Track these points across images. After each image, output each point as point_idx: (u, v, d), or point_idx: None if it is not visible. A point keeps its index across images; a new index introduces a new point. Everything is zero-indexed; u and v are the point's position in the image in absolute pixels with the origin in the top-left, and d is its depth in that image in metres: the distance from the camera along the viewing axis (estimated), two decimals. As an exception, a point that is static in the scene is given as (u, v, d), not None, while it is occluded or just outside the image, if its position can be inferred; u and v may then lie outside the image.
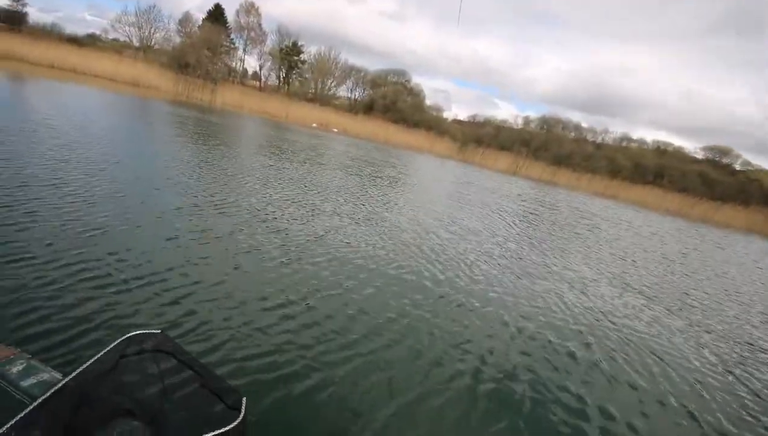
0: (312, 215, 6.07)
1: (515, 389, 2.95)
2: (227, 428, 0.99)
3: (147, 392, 1.18)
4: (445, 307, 4.04)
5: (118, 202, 4.67)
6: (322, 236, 5.24)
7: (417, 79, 60.02)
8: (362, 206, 7.46)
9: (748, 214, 28.91)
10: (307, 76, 40.88)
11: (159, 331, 1.24)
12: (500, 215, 10.10)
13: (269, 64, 40.57)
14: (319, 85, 40.53)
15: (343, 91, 43.76)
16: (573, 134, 43.17)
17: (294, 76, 40.96)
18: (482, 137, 38.73)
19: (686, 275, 8.35)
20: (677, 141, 66.89)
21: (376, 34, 79.99)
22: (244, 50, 39.58)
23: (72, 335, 2.38)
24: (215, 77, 27.88)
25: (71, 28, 37.74)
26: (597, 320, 4.63)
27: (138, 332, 1.20)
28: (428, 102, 44.59)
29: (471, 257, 5.86)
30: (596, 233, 11.28)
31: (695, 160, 40.26)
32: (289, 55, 39.19)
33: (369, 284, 4.14)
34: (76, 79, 18.89)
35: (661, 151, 42.11)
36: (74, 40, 28.55)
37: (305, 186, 8.01)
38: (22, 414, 0.92)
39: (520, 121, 45.33)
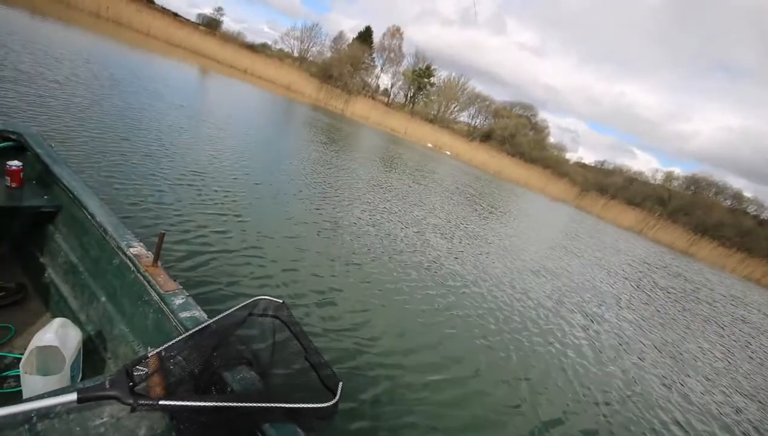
0: (420, 245, 6.29)
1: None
2: (323, 405, 1.09)
3: (262, 350, 1.39)
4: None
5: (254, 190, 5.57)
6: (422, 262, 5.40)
7: (545, 115, 57.11)
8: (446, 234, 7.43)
9: None
10: (432, 98, 42.26)
11: (282, 301, 1.47)
12: (616, 278, 8.96)
13: (400, 83, 43.17)
14: (442, 108, 41.49)
15: (464, 117, 44.02)
16: (729, 203, 35.83)
17: (421, 96, 42.74)
18: (608, 186, 34.84)
19: None
20: None
21: (510, 65, 78.69)
22: (382, 68, 42.89)
23: (221, 289, 2.95)
24: (351, 89, 30.77)
25: (251, 37, 45.91)
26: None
27: (265, 297, 1.41)
28: (552, 140, 41.98)
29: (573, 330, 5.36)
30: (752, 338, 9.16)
31: None
32: (420, 76, 41.11)
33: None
34: (246, 79, 22.92)
35: None
36: (250, 47, 34.65)
37: (410, 202, 8.33)
38: (175, 340, 1.15)
39: (659, 176, 39.52)
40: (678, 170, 49.10)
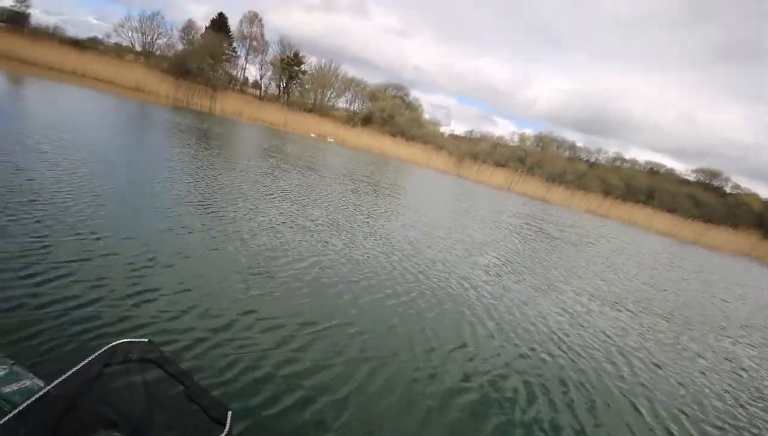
0: (314, 232, 6.11)
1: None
2: None
3: (131, 403, 1.18)
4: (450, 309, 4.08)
5: (107, 209, 4.70)
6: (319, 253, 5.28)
7: (418, 94, 60.93)
8: (359, 216, 7.52)
9: (737, 237, 29.35)
10: (307, 86, 41.27)
11: (146, 340, 1.24)
12: (501, 229, 10.20)
13: (270, 73, 40.99)
14: (319, 96, 40.89)
15: (342, 103, 44.20)
16: (567, 153, 43.84)
17: (294, 86, 41.32)
18: (478, 153, 39.16)
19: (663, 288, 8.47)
20: (671, 163, 68.12)
21: (379, 49, 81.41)
22: (246, 59, 39.99)
23: (58, 342, 2.40)
24: (215, 84, 28.06)
25: (75, 32, 37.91)
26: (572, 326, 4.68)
27: (124, 340, 1.19)
28: (428, 117, 45.18)
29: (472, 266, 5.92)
30: (586, 248, 11.42)
31: (686, 182, 40.98)
32: (289, 65, 39.59)
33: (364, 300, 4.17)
34: (75, 82, 18.94)
35: (653, 172, 42.86)
36: (76, 43, 28.60)
37: (301, 194, 8.06)
38: (1, 421, 0.90)
39: (516, 139, 45.94)
40: (529, 131, 57.74)
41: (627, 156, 46.72)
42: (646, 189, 38.27)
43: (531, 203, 24.52)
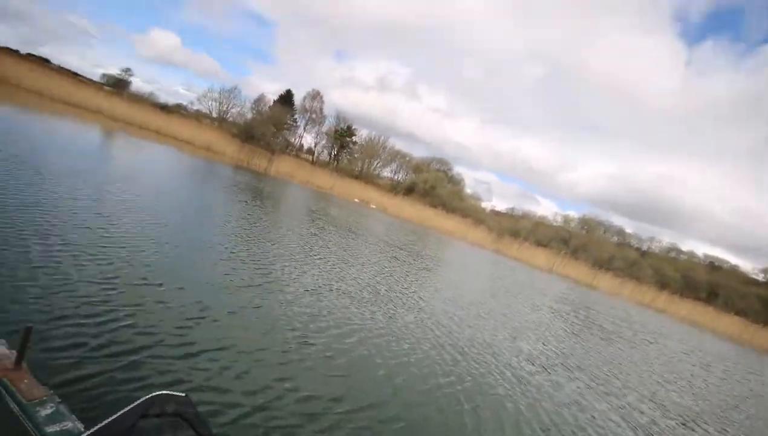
0: (356, 295, 6.10)
1: None
2: None
3: None
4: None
5: (168, 258, 5.01)
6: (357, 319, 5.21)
7: (460, 169, 62.95)
8: (389, 284, 7.42)
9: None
10: (356, 155, 44.05)
11: (183, 394, 1.25)
12: (546, 314, 9.57)
13: (324, 142, 44.47)
14: (366, 165, 43.29)
15: (387, 173, 46.36)
16: (615, 239, 41.89)
17: (344, 154, 44.29)
18: (519, 230, 38.50)
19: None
20: (733, 259, 62.53)
21: (425, 126, 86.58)
22: (304, 128, 43.97)
23: (105, 385, 2.44)
24: (274, 148, 30.74)
25: (165, 98, 44.19)
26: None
27: (163, 392, 1.21)
28: (469, 191, 45.95)
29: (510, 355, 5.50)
30: (643, 346, 10.27)
31: (754, 282, 37.08)
32: (342, 136, 42.89)
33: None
34: (159, 139, 21.59)
35: (715, 267, 39.46)
36: (164, 108, 33.18)
37: (344, 258, 8.18)
38: None
39: (559, 219, 44.99)
40: (573, 213, 56.62)
41: (684, 248, 43.69)
42: (706, 285, 35.03)
43: (576, 288, 23.09)
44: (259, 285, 5.13)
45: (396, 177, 46.28)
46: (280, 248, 7.46)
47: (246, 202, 11.81)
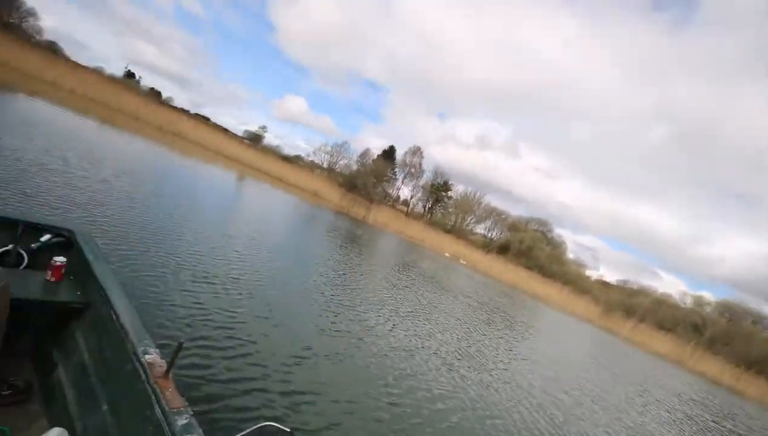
0: (451, 362, 5.92)
1: None
2: None
3: None
4: None
5: (284, 297, 5.54)
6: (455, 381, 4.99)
7: (562, 232, 58.26)
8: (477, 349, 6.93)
9: None
10: (450, 210, 44.24)
11: (289, 430, 1.29)
12: (687, 427, 7.86)
13: (419, 195, 45.92)
14: (459, 220, 43.01)
15: (480, 229, 45.25)
16: (772, 334, 33.14)
17: (438, 208, 44.87)
18: (634, 308, 33.24)
19: None
20: None
21: (525, 184, 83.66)
22: (402, 181, 46.20)
23: (221, 408, 2.71)
24: (373, 198, 32.73)
25: (288, 150, 51.51)
26: None
27: (271, 423, 1.28)
28: (571, 256, 41.99)
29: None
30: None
31: None
32: (438, 190, 43.80)
33: None
34: (278, 184, 24.87)
35: None
36: (285, 158, 38.53)
37: (434, 314, 8.03)
38: None
39: (689, 301, 37.71)
40: (708, 295, 46.92)
41: None
42: None
43: (716, 391, 18.49)
44: (355, 334, 5.30)
45: (490, 234, 44.86)
46: (375, 297, 7.68)
47: (346, 247, 12.61)
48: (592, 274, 43.87)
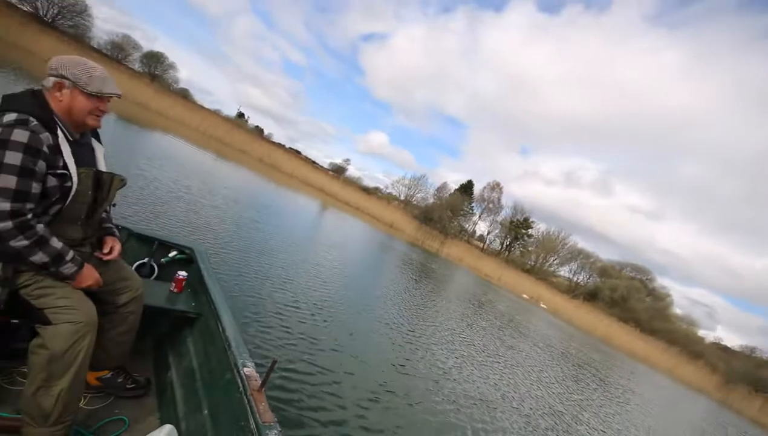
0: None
1: None
2: None
3: None
4: None
5: (356, 333, 5.65)
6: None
7: (667, 283, 50.75)
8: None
9: None
10: (530, 248, 41.59)
11: None
12: None
13: (497, 231, 44.10)
14: (540, 260, 40.09)
15: (564, 272, 41.54)
16: None
17: (517, 245, 42.48)
18: (765, 381, 27.05)
19: None
20: None
21: (619, 225, 75.49)
22: (480, 216, 44.97)
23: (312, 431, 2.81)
24: (448, 231, 32.29)
25: (368, 182, 54.34)
26: None
27: None
28: (678, 311, 36.16)
29: None
30: None
31: None
32: (518, 227, 41.64)
33: None
34: (356, 214, 26.00)
35: None
36: (365, 190, 40.38)
37: (515, 365, 7.44)
38: None
39: None
40: None
41: None
42: None
43: None
44: (430, 376, 5.13)
45: (575, 278, 40.83)
46: (450, 337, 7.41)
47: (421, 280, 12.52)
48: (707, 335, 37.02)
